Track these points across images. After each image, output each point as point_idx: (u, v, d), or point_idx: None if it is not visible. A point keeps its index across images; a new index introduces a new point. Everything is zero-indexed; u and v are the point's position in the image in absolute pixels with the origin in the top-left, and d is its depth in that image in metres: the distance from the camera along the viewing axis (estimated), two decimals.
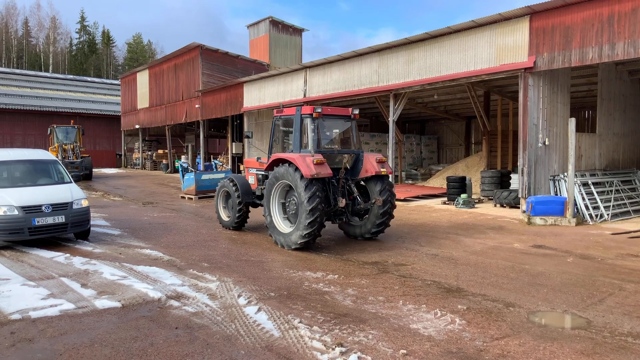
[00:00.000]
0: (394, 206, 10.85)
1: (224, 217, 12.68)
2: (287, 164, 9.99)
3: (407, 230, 12.20)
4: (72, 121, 34.81)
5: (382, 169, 10.52)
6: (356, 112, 11.00)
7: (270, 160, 10.69)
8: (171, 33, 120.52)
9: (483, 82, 18.27)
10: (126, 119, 44.01)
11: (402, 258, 9.11)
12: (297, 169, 9.61)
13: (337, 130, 11.18)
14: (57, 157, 25.47)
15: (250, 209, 12.35)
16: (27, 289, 7.06)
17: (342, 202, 10.13)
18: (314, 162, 9.53)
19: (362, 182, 11.02)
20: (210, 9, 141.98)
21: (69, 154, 28.31)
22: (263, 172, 11.47)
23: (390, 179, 11.03)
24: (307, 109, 10.29)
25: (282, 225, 10.35)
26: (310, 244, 9.90)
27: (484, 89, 20.26)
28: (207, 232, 12.01)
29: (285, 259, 9.03)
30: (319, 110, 10.20)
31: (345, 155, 10.79)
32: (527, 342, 5.15)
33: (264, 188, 10.78)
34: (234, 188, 12.02)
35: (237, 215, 12.03)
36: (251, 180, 12.25)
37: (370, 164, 10.62)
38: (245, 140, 27.12)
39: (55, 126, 30.46)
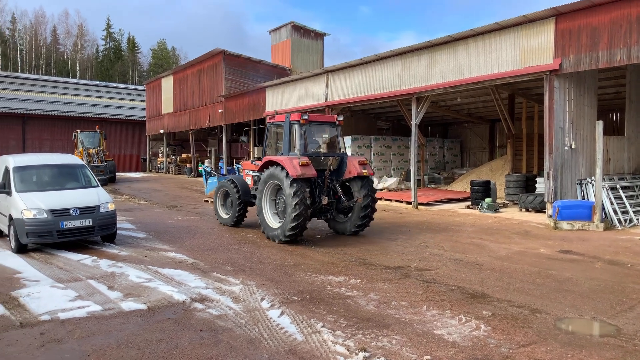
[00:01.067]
0: (375, 202, 11.96)
1: (223, 215, 13.78)
2: (276, 166, 11.06)
3: (430, 234, 12.10)
4: (97, 126, 35.64)
5: (363, 171, 11.61)
6: (340, 118, 12.09)
7: (262, 162, 11.85)
8: (194, 39, 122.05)
9: (507, 84, 18.04)
10: (151, 124, 44.70)
11: (425, 263, 9.04)
12: (285, 169, 10.65)
13: (327, 136, 12.26)
14: (83, 161, 26.09)
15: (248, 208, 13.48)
16: (56, 290, 7.23)
17: (325, 200, 11.30)
18: (300, 164, 10.57)
19: (346, 183, 12.07)
20: (231, 15, 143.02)
21: (94, 158, 29.23)
22: (257, 174, 12.47)
23: (371, 180, 12.08)
24: (295, 116, 11.38)
25: (272, 221, 11.44)
26: (296, 238, 10.92)
27: (508, 91, 19.98)
28: (230, 235, 12.11)
29: (307, 263, 9.04)
30: (306, 117, 11.35)
31: (330, 157, 12.02)
32: (554, 349, 5.05)
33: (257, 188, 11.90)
34: (234, 188, 13.09)
35: (237, 213, 13.11)
36: (248, 181, 13.37)
37: (353, 166, 11.69)
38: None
39: (79, 131, 31.70)
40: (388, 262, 9.08)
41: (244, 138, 13.95)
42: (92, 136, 31.31)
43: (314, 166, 10.99)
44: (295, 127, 11.34)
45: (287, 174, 10.53)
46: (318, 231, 12.71)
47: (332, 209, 11.81)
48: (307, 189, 10.67)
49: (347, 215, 12.09)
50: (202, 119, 36.11)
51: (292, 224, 10.46)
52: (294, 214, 10.39)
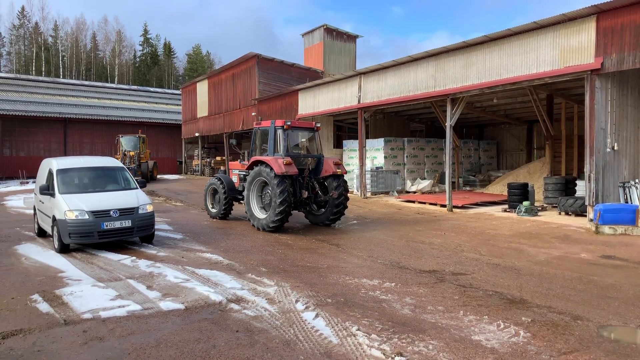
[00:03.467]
0: (347, 199, 13.59)
1: (211, 209, 15.51)
2: (263, 165, 12.67)
3: (465, 238, 11.90)
4: (139, 130, 37.03)
5: (337, 170, 13.29)
6: (318, 125, 13.83)
7: (250, 162, 13.47)
8: (226, 43, 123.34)
9: (546, 85, 17.60)
10: (186, 127, 45.53)
11: (461, 267, 8.89)
12: (271, 168, 12.24)
13: (304, 140, 14.09)
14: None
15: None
16: (97, 289, 7.44)
17: (304, 194, 12.94)
18: (284, 163, 12.17)
19: (322, 180, 13.64)
20: (263, 19, 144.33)
21: (128, 160, 31.62)
22: (244, 172, 14.15)
23: (344, 178, 13.69)
24: (279, 122, 13.01)
25: (259, 212, 13.15)
26: (281, 226, 12.59)
27: (546, 92, 19.49)
28: (264, 237, 12.21)
29: (341, 266, 9.03)
30: (289, 123, 12.97)
31: (309, 158, 13.66)
32: (597, 357, 4.89)
33: (245, 185, 13.51)
34: (221, 185, 14.80)
35: (223, 207, 14.86)
36: (234, 179, 15.01)
37: (329, 166, 13.35)
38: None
39: (121, 136, 34.78)
40: (423, 266, 8.98)
41: (233, 141, 15.15)
42: (132, 140, 34.18)
43: (295, 165, 12.60)
44: (279, 132, 12.94)
45: (273, 171, 12.14)
46: (345, 234, 12.69)
47: (311, 202, 13.53)
48: (290, 185, 12.26)
49: (322, 208, 13.83)
50: (236, 122, 36.58)
51: (278, 211, 12.14)
52: (279, 205, 12.06)
